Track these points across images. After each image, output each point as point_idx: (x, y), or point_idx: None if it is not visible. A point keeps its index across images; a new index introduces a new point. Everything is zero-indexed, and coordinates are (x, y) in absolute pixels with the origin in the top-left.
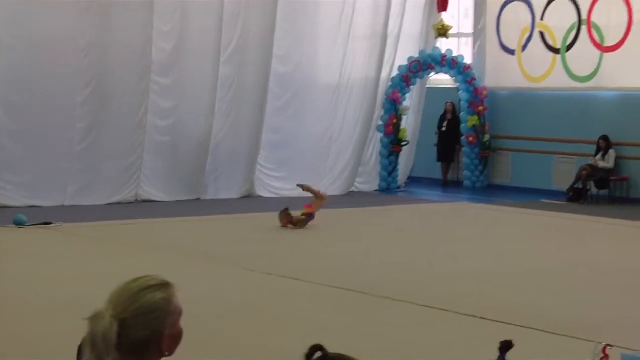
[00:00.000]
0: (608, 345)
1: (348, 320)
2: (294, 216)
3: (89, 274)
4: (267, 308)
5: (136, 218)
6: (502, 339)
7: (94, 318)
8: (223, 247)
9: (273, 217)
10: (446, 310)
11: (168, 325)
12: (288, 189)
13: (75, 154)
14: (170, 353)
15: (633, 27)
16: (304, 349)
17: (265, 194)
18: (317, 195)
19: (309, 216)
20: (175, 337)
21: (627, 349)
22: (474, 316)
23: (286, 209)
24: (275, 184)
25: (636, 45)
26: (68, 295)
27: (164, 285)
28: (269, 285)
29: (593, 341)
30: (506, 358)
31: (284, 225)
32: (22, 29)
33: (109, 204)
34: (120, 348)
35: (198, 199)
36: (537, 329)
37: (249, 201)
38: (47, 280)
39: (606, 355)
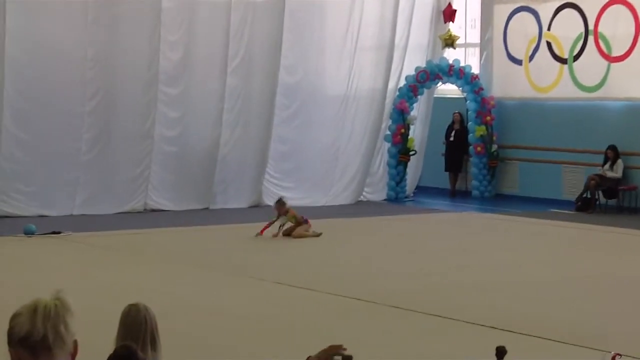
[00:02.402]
0: (617, 354)
1: (357, 330)
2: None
3: (98, 283)
4: (277, 317)
5: (145, 227)
6: (497, 345)
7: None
8: (232, 257)
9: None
10: (454, 319)
11: None
12: (296, 198)
13: (83, 163)
14: None
15: None
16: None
17: (273, 203)
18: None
19: (304, 221)
20: None
21: (637, 358)
22: (483, 325)
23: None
24: (284, 193)
25: None
26: (78, 304)
27: None
28: (278, 294)
29: (603, 350)
30: None
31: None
32: (31, 40)
33: (118, 213)
34: None
35: (207, 208)
36: (547, 338)
37: (258, 211)
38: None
39: None
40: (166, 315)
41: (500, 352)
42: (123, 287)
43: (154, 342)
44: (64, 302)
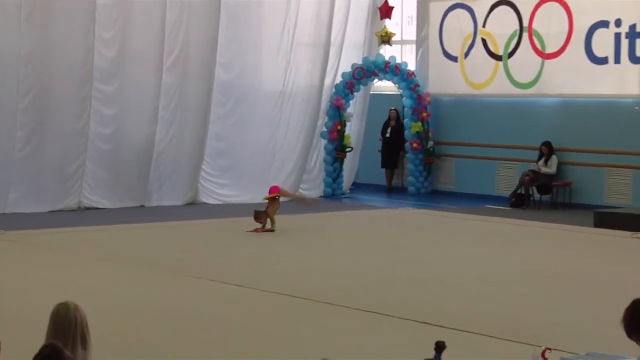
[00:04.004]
0: (547, 349)
1: (292, 327)
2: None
3: (31, 282)
4: (212, 315)
5: (79, 225)
6: (437, 340)
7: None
8: (168, 255)
9: (218, 224)
10: (389, 315)
11: None
12: (232, 196)
13: (17, 161)
14: None
15: (574, 35)
16: (248, 355)
17: (209, 201)
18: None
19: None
20: None
21: (566, 352)
22: (417, 321)
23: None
24: (220, 191)
25: (577, 52)
26: (9, 302)
27: None
28: (214, 292)
29: (532, 345)
30: (442, 358)
31: (260, 222)
32: None
33: (52, 211)
34: None
35: (142, 206)
36: (478, 334)
37: (194, 208)
38: None
39: (545, 359)
40: (99, 314)
41: (440, 346)
42: (56, 286)
43: (84, 341)
44: None
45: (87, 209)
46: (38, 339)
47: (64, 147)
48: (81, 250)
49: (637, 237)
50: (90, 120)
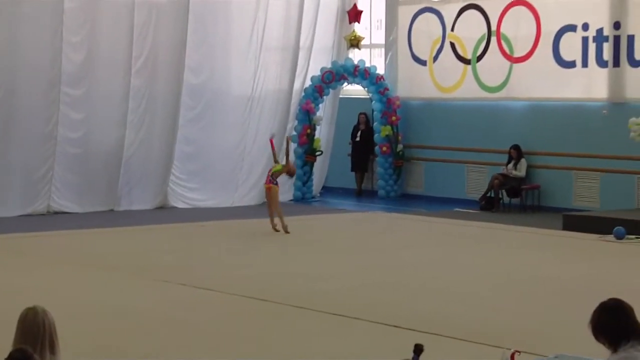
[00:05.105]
0: (517, 351)
1: (261, 330)
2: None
3: (0, 286)
4: (181, 319)
5: (48, 230)
6: (416, 342)
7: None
8: (137, 259)
9: (187, 228)
10: (359, 319)
11: None
12: (202, 199)
13: None
14: None
15: (541, 39)
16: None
17: (179, 205)
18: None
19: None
20: None
21: (535, 354)
22: (387, 325)
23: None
24: (189, 194)
25: (545, 56)
26: None
27: None
28: (183, 296)
29: (502, 347)
30: None
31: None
32: None
33: (21, 216)
34: None
35: (112, 210)
36: (448, 336)
37: (163, 212)
38: None
39: None
40: (68, 318)
41: (419, 349)
42: (24, 290)
43: (52, 346)
44: None
45: (56, 213)
46: (6, 344)
47: (32, 151)
48: (50, 254)
49: (604, 240)
50: (58, 124)
